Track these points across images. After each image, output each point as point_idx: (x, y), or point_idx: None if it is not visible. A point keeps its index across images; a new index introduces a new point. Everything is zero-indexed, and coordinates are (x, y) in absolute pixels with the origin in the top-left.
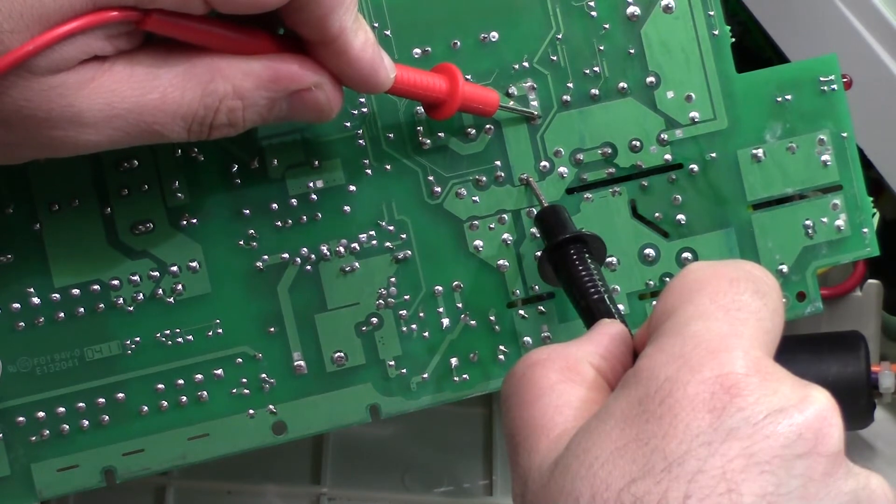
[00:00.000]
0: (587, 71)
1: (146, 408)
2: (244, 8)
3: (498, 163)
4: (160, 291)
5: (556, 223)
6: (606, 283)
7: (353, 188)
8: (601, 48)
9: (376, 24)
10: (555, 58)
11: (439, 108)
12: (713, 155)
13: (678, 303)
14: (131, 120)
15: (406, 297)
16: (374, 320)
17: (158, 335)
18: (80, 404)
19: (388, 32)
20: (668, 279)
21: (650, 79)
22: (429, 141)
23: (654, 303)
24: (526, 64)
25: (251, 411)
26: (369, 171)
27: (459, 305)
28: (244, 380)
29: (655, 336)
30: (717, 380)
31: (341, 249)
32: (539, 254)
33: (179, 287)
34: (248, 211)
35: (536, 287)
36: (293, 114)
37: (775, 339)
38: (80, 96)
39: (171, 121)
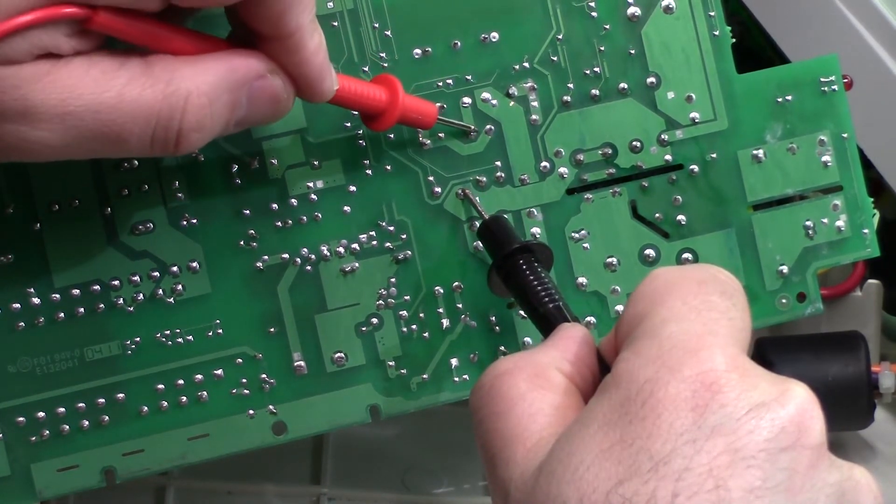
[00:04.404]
0: (588, 71)
1: (146, 408)
2: (206, 1)
3: (498, 163)
4: (160, 291)
5: (501, 235)
6: (559, 291)
7: (353, 188)
8: (602, 48)
9: (376, 25)
10: (555, 58)
11: (378, 119)
12: (713, 155)
13: (649, 307)
14: (88, 119)
15: (406, 297)
16: (375, 320)
17: (158, 335)
18: (80, 404)
19: (388, 32)
20: None
21: (651, 79)
22: (429, 141)
23: (623, 308)
24: (526, 64)
25: (251, 411)
26: (369, 172)
27: (459, 306)
28: (244, 380)
29: (630, 340)
30: (698, 377)
31: (341, 250)
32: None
33: (179, 287)
34: (248, 211)
35: None
36: (253, 110)
37: (747, 338)
38: (34, 89)
39: (131, 122)
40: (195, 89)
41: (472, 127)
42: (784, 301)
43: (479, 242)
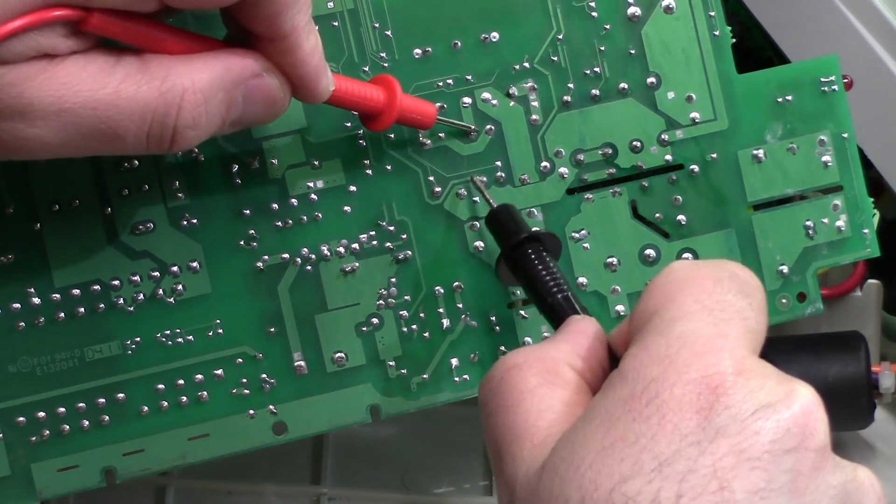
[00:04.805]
0: (588, 71)
1: (146, 408)
2: (201, 2)
3: (498, 163)
4: (160, 291)
5: (510, 224)
6: (568, 281)
7: (353, 188)
8: (602, 48)
9: (376, 25)
10: (555, 58)
11: (376, 120)
12: (714, 155)
13: (661, 302)
14: (84, 116)
15: (406, 297)
16: (375, 321)
17: (159, 335)
18: (81, 404)
19: (388, 33)
20: None
21: (651, 79)
22: (429, 141)
23: (639, 299)
24: (527, 64)
25: (251, 411)
26: (369, 172)
27: (460, 306)
28: (244, 380)
29: (640, 335)
30: (703, 380)
31: (341, 250)
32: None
33: (180, 287)
34: (248, 211)
35: None
36: (248, 109)
37: (760, 338)
38: (31, 86)
39: (127, 119)
40: (191, 86)
41: (473, 127)
42: (784, 301)
43: (481, 240)
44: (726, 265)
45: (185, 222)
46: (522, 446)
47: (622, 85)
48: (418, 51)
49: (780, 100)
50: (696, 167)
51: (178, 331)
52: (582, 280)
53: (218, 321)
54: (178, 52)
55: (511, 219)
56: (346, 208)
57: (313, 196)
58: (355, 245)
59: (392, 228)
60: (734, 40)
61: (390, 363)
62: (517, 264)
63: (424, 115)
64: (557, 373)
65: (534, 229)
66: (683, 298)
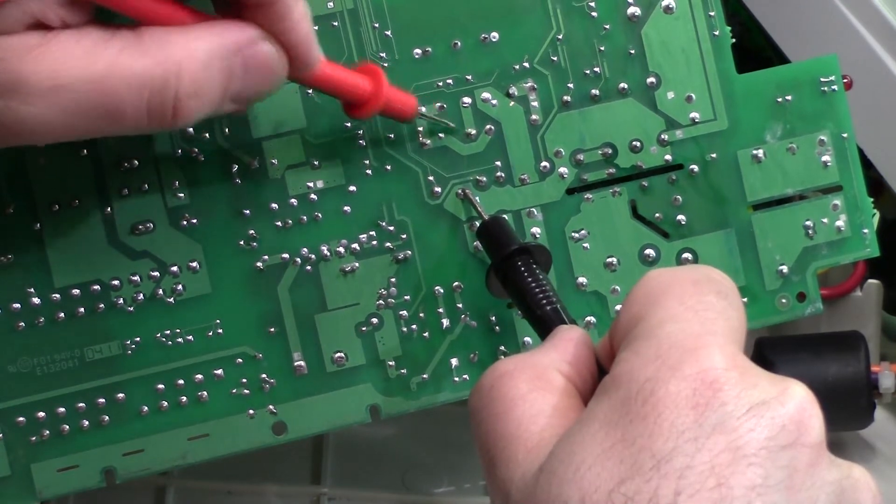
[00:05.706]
0: (588, 71)
1: (146, 408)
2: None
3: (498, 163)
4: (160, 291)
5: (500, 236)
6: (557, 293)
7: (353, 188)
8: (602, 48)
9: (376, 25)
10: (555, 58)
11: (360, 108)
12: (713, 155)
13: (645, 308)
14: (81, 91)
15: (406, 297)
16: (375, 320)
17: (158, 335)
18: (80, 404)
19: (388, 33)
20: None
21: (650, 79)
22: (429, 141)
23: (618, 310)
24: (526, 64)
25: (251, 411)
26: (369, 172)
27: (459, 306)
28: (244, 380)
29: (628, 342)
30: (698, 376)
31: (341, 250)
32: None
33: (179, 287)
34: (248, 211)
35: None
36: (248, 80)
37: (743, 337)
38: (25, 61)
39: (126, 91)
40: (188, 56)
41: (452, 124)
42: (784, 301)
43: (479, 242)
44: (701, 269)
45: (185, 222)
46: (517, 451)
47: (622, 85)
48: (418, 51)
49: (779, 100)
50: (695, 167)
51: (178, 331)
52: (582, 280)
53: (218, 321)
54: (173, 23)
55: (502, 231)
56: (346, 208)
57: (313, 196)
58: (355, 245)
59: (392, 228)
60: (734, 40)
61: (390, 363)
62: (507, 276)
63: (406, 104)
64: (547, 378)
65: (524, 241)
66: (667, 302)
